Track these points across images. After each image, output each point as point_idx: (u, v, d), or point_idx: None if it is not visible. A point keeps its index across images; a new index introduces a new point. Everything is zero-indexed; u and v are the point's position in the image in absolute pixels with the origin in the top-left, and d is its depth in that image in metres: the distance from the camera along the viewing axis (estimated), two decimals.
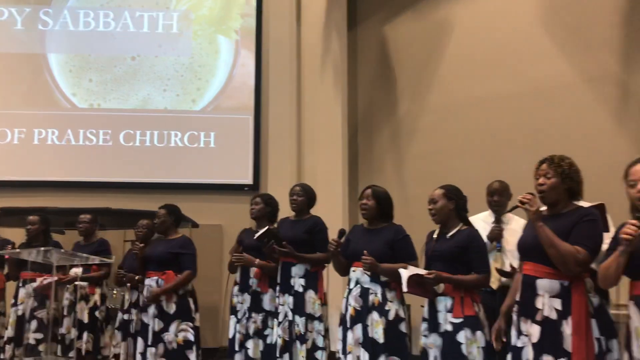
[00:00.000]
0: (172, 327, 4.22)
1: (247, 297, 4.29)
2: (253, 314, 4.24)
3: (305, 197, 4.31)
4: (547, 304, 2.64)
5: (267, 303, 4.26)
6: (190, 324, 4.29)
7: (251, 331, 4.23)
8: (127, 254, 4.90)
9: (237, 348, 4.24)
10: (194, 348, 4.27)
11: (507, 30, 6.35)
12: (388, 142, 7.30)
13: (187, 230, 6.08)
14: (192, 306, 4.36)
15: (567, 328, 2.58)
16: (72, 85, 7.50)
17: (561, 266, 2.60)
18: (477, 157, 6.20)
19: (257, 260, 4.25)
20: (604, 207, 3.05)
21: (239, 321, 4.27)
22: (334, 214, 6.26)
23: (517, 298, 2.80)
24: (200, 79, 7.60)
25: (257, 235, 4.11)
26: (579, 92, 5.91)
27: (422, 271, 3.20)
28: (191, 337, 4.26)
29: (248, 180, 7.37)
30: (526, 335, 2.69)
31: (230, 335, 4.31)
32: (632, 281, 2.40)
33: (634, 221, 2.32)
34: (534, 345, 2.64)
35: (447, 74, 6.82)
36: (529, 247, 2.76)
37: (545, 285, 2.67)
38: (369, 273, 3.52)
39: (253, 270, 4.29)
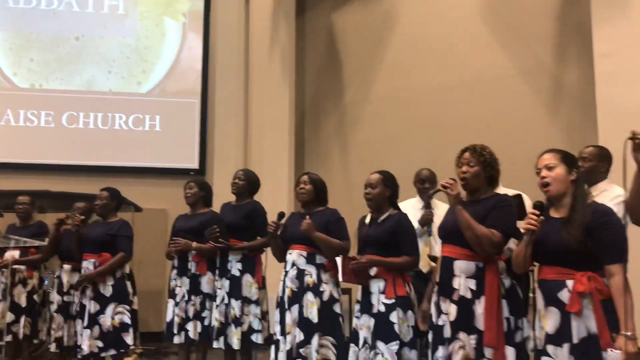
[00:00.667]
0: (109, 310, 4.21)
1: (185, 281, 4.30)
2: (192, 297, 4.27)
3: (246, 181, 4.34)
4: (463, 284, 2.78)
5: (205, 285, 4.29)
6: (127, 306, 4.29)
7: (190, 314, 4.26)
8: (58, 233, 4.74)
9: (175, 331, 4.27)
10: (131, 331, 4.26)
11: (449, 23, 6.53)
12: (334, 128, 7.40)
13: (130, 214, 6.04)
14: (130, 289, 4.35)
15: (480, 307, 2.72)
16: (12, 65, 7.31)
17: (477, 248, 2.73)
18: (419, 146, 6.35)
19: (194, 244, 4.28)
20: (521, 198, 3.21)
21: (177, 304, 4.30)
22: (280, 199, 6.33)
23: (437, 279, 2.94)
24: (146, 61, 7.51)
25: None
26: (515, 83, 6.14)
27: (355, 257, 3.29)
28: (127, 320, 4.26)
29: (194, 164, 7.36)
30: (445, 314, 2.82)
31: (168, 319, 4.32)
32: (539, 266, 2.54)
33: (534, 211, 2.46)
34: (452, 323, 2.78)
35: (392, 64, 6.95)
36: (448, 230, 2.89)
37: (461, 266, 2.81)
38: (305, 255, 3.62)
39: (192, 254, 4.32)
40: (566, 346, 2.30)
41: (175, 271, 4.38)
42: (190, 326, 4.25)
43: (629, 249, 2.35)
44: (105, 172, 7.00)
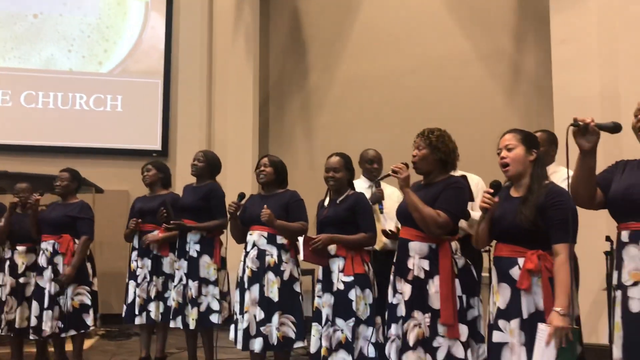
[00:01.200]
0: (69, 291, 4.20)
1: (147, 262, 4.32)
2: (154, 278, 4.29)
3: (205, 163, 4.32)
4: (417, 265, 2.87)
5: (167, 266, 4.32)
6: (87, 288, 4.28)
7: (152, 294, 4.28)
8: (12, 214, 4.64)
9: (137, 312, 4.28)
10: (91, 312, 4.26)
11: (412, 7, 6.61)
12: (298, 111, 7.41)
13: (91, 195, 5.98)
14: (90, 270, 4.34)
15: (433, 287, 2.82)
16: None
17: (424, 229, 2.82)
18: (382, 129, 6.42)
19: (160, 235, 4.29)
20: (466, 178, 3.31)
21: (138, 285, 4.31)
22: (244, 181, 6.33)
23: (394, 259, 3.02)
24: (107, 40, 7.38)
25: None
26: (475, 68, 6.25)
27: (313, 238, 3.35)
28: (87, 301, 4.25)
29: (156, 146, 7.28)
30: (400, 294, 2.91)
31: (129, 300, 4.34)
32: (496, 243, 2.64)
33: (488, 189, 2.56)
34: (406, 302, 2.87)
35: (356, 48, 6.99)
36: (403, 213, 2.97)
37: (415, 247, 2.89)
38: (265, 235, 3.66)
39: (154, 235, 4.33)
40: (516, 321, 2.40)
41: (135, 252, 4.38)
42: (152, 307, 4.28)
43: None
44: (65, 153, 6.89)
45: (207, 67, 7.26)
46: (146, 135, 7.30)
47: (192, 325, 4.04)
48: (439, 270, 2.82)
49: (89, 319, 4.26)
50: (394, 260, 3.03)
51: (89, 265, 4.36)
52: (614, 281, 2.17)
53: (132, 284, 4.35)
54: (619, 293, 2.14)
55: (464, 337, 2.78)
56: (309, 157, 6.98)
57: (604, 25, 4.98)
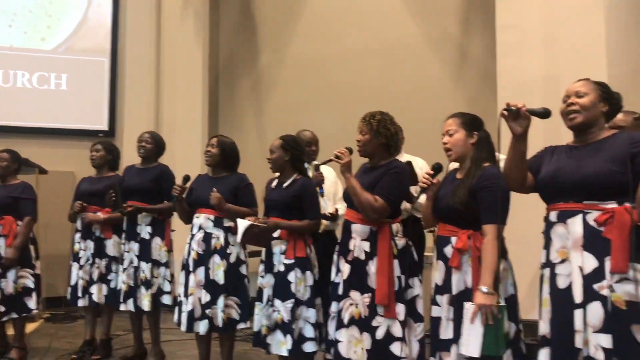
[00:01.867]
0: (11, 274, 4.10)
1: (90, 244, 4.26)
2: (97, 260, 4.23)
3: (154, 144, 4.29)
4: (358, 246, 2.93)
5: (110, 249, 4.27)
6: (30, 270, 4.19)
7: (95, 276, 4.23)
8: None
9: (80, 294, 4.23)
10: (34, 295, 4.18)
11: None
12: (249, 92, 7.37)
13: (34, 176, 5.83)
14: (33, 253, 4.24)
15: (373, 267, 2.88)
16: None
17: (363, 213, 2.89)
18: (333, 111, 6.45)
19: (101, 216, 4.23)
20: (411, 164, 3.39)
21: (81, 267, 4.25)
22: (193, 162, 6.26)
23: (340, 240, 3.07)
24: (51, 16, 7.12)
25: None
26: (423, 52, 6.34)
27: (258, 221, 3.34)
28: (30, 284, 4.17)
29: (103, 126, 7.11)
30: (341, 273, 2.98)
31: (73, 282, 4.27)
32: (439, 223, 2.72)
33: (429, 171, 2.63)
34: (344, 281, 2.94)
35: (307, 29, 6.98)
36: (347, 196, 3.02)
37: (357, 229, 2.95)
38: (212, 218, 3.66)
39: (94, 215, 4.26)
40: (446, 296, 2.50)
41: (79, 234, 4.32)
42: (94, 289, 4.23)
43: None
44: (7, 133, 6.64)
45: (155, 45, 7.10)
46: (92, 115, 7.11)
47: (146, 307, 4.03)
48: (377, 252, 2.88)
49: (32, 303, 4.18)
50: (339, 241, 3.09)
51: (32, 247, 4.26)
52: (542, 259, 2.27)
53: (75, 266, 4.29)
54: (547, 271, 2.24)
55: (401, 317, 2.85)
56: (260, 138, 6.96)
57: (546, 12, 5.11)
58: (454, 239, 2.51)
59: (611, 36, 4.86)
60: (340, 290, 2.95)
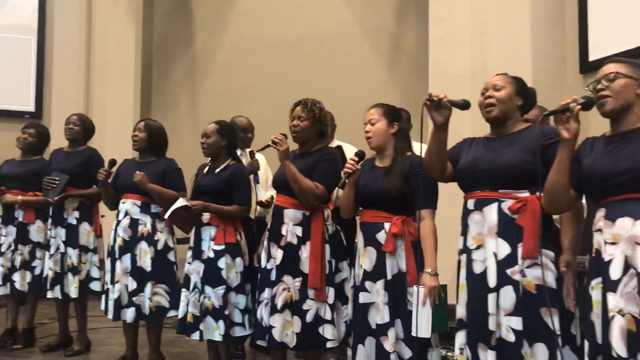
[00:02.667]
0: None
1: (11, 230, 4.11)
2: (19, 246, 4.09)
3: (82, 127, 4.17)
4: (290, 231, 2.96)
5: (34, 234, 4.12)
6: None
7: (17, 263, 4.08)
8: None
9: (0, 282, 4.08)
10: None
11: None
12: (183, 76, 7.25)
13: None
14: None
15: (305, 252, 2.93)
16: None
17: (303, 200, 2.91)
18: (268, 97, 6.44)
19: (20, 198, 4.09)
20: (341, 148, 3.44)
21: (2, 254, 4.09)
22: (124, 147, 6.05)
23: (269, 226, 3.09)
24: None
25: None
26: (359, 41, 6.41)
27: (189, 202, 3.32)
28: None
29: (29, 107, 6.85)
30: (273, 259, 3.00)
31: None
32: (362, 210, 2.78)
33: (353, 157, 2.68)
34: (277, 267, 2.96)
35: (244, 14, 6.92)
36: (279, 182, 3.04)
37: (290, 214, 2.98)
38: (139, 204, 3.60)
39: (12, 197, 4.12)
40: (381, 282, 2.56)
41: None
42: (17, 277, 4.09)
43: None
44: None
45: (86, 25, 6.86)
46: (18, 95, 6.82)
47: (74, 293, 3.94)
48: (310, 236, 2.93)
49: None
50: (268, 227, 3.10)
51: None
52: (460, 246, 2.37)
53: None
54: (464, 257, 2.33)
55: (331, 300, 2.92)
56: (193, 123, 6.86)
57: (477, 6, 5.25)
58: (387, 225, 2.57)
59: (536, 32, 5.06)
60: (272, 276, 2.98)
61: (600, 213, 1.95)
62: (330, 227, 3.01)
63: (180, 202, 3.25)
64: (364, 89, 6.20)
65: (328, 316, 2.90)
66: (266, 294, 3.00)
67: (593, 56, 4.84)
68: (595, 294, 1.94)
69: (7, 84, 6.78)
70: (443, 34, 5.42)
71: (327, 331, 2.89)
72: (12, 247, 4.09)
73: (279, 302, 2.93)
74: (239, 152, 4.01)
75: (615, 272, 1.86)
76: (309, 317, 2.90)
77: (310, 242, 2.92)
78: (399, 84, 6.25)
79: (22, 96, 6.84)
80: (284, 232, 2.98)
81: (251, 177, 3.69)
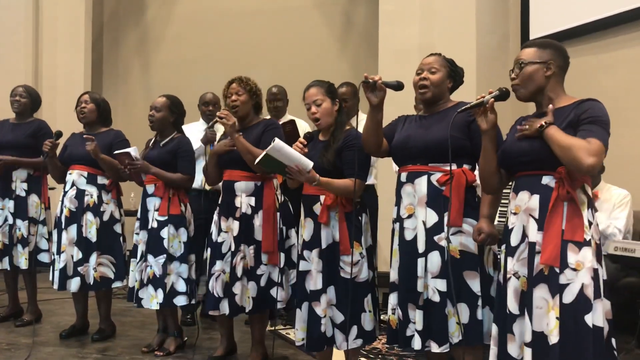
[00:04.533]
0: None
1: None
2: None
3: (29, 99, 4.14)
4: (245, 202, 3.08)
5: None
6: None
7: None
8: None
9: None
10: None
11: None
12: (135, 47, 7.19)
13: None
14: None
15: (258, 220, 3.07)
16: None
17: (258, 170, 3.00)
18: (220, 70, 6.44)
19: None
20: (294, 123, 3.54)
21: None
22: (75, 118, 6.06)
23: (219, 201, 3.19)
24: None
25: None
26: (312, 15, 6.48)
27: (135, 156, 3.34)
28: None
29: None
30: (226, 232, 3.12)
31: None
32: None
33: (302, 140, 2.75)
34: (235, 237, 3.08)
35: None
36: (227, 158, 3.13)
37: (241, 186, 3.10)
38: (85, 175, 3.64)
39: None
40: (316, 250, 2.70)
41: None
42: None
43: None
44: None
45: None
46: None
47: (23, 265, 3.97)
48: (262, 205, 3.06)
49: None
50: (219, 202, 3.20)
51: None
52: (394, 215, 2.51)
53: None
54: (397, 225, 2.48)
55: (281, 264, 3.08)
56: (146, 95, 6.83)
57: None
58: (322, 197, 2.69)
59: (481, 9, 5.24)
60: (226, 248, 3.11)
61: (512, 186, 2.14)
62: (280, 197, 3.14)
63: (132, 150, 3.31)
64: (315, 62, 6.30)
65: (277, 279, 3.07)
66: (218, 266, 3.12)
67: (534, 34, 5.04)
68: (503, 258, 2.14)
69: None
70: (392, 9, 5.55)
71: (276, 292, 3.05)
72: None
73: (239, 271, 3.06)
74: (204, 125, 4.07)
75: (514, 239, 2.08)
76: (263, 282, 3.07)
77: (262, 209, 3.06)
78: (350, 57, 6.37)
79: None
80: (237, 204, 3.09)
81: (208, 147, 3.77)
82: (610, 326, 2.00)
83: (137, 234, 3.46)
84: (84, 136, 3.56)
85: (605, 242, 3.10)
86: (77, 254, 3.59)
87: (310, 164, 2.56)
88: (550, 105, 2.03)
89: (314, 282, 2.68)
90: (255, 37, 6.56)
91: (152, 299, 3.33)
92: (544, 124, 1.97)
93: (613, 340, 2.00)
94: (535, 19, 5.06)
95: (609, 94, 4.50)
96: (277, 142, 2.54)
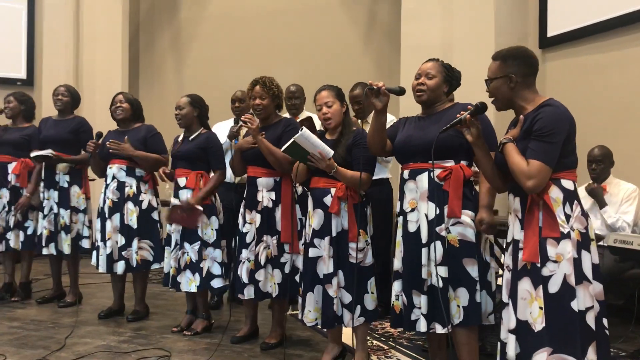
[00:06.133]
0: None
1: (5, 192, 4.44)
2: (12, 208, 4.43)
3: (69, 97, 4.46)
4: (265, 197, 3.35)
5: None
6: None
7: (11, 224, 4.44)
8: None
9: None
10: None
11: None
12: (169, 45, 7.48)
13: None
14: None
15: (279, 213, 3.33)
16: None
17: (277, 167, 3.28)
18: (250, 67, 6.68)
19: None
20: (312, 119, 3.77)
21: None
22: None
23: (245, 195, 3.45)
24: None
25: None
26: (336, 13, 6.68)
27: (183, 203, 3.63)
28: None
29: (21, 74, 7.11)
30: (250, 224, 3.39)
31: None
32: (312, 177, 3.09)
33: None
34: (257, 229, 3.36)
35: None
36: (251, 155, 3.38)
37: (263, 182, 3.37)
38: (124, 168, 3.95)
39: (12, 166, 4.44)
40: (327, 238, 2.95)
41: None
42: (11, 236, 4.44)
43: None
44: None
45: None
46: (10, 63, 7.09)
47: (67, 250, 4.31)
48: (281, 199, 3.31)
49: None
50: (245, 195, 3.47)
51: None
52: (397, 209, 2.74)
53: None
54: (400, 218, 2.70)
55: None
56: (179, 92, 7.06)
57: None
58: (333, 190, 2.94)
59: (499, 7, 5.36)
60: (250, 238, 3.38)
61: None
62: (299, 189, 3.39)
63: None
64: (340, 59, 6.51)
65: (301, 265, 3.25)
66: (244, 254, 3.40)
67: (551, 32, 5.15)
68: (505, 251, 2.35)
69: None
70: (414, 7, 5.71)
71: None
72: (7, 209, 4.44)
73: (262, 259, 3.34)
74: (232, 122, 4.33)
75: (508, 236, 2.30)
76: (287, 269, 3.33)
77: (281, 204, 3.32)
78: (374, 54, 6.55)
79: (14, 64, 7.09)
80: (259, 198, 3.36)
81: (230, 141, 4.03)
82: (602, 307, 2.17)
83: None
84: (109, 146, 3.85)
85: (609, 235, 3.26)
86: (121, 240, 3.93)
87: (331, 152, 2.84)
88: (521, 117, 2.20)
89: (327, 267, 2.93)
90: (282, 35, 6.79)
91: (191, 282, 3.63)
92: (502, 141, 2.18)
93: (604, 320, 2.18)
94: (552, 17, 5.16)
95: (622, 90, 4.62)
96: (305, 131, 2.80)
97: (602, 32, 4.73)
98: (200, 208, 3.57)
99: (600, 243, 3.53)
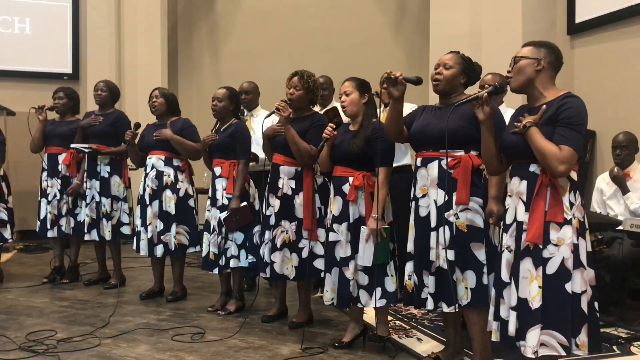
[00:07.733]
0: None
1: (56, 181, 4.76)
2: (64, 196, 4.75)
3: (108, 92, 4.72)
4: (286, 184, 3.53)
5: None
6: (4, 205, 4.70)
7: (63, 211, 4.76)
8: None
9: (49, 226, 4.77)
10: (8, 227, 4.72)
11: None
12: (206, 38, 7.73)
13: (2, 118, 6.23)
14: (5, 189, 4.74)
15: (298, 200, 3.50)
16: None
17: (298, 158, 3.46)
18: (284, 58, 6.91)
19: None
20: (336, 109, 3.92)
21: (49, 202, 4.77)
22: None
23: (268, 180, 3.65)
24: None
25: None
26: (368, 4, 6.77)
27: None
28: (4, 217, 4.68)
29: (67, 69, 7.48)
30: (272, 207, 3.58)
31: (42, 216, 4.80)
32: (333, 165, 3.28)
33: (331, 125, 3.17)
34: (276, 214, 3.55)
35: None
36: (278, 142, 3.57)
37: (285, 170, 3.55)
38: (163, 158, 4.22)
39: (61, 157, 4.76)
40: (345, 224, 3.13)
41: (45, 173, 4.80)
42: (63, 222, 4.76)
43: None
44: None
45: None
46: (57, 58, 7.45)
47: (108, 236, 4.61)
48: (303, 188, 3.49)
49: (7, 233, 4.72)
50: (268, 180, 3.67)
51: (3, 184, 4.75)
52: (411, 195, 2.88)
53: (43, 201, 4.80)
54: (413, 203, 2.85)
55: (322, 238, 3.49)
56: (216, 84, 7.16)
57: None
58: (351, 178, 3.11)
59: None
60: (272, 221, 3.58)
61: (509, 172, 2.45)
62: (319, 180, 3.57)
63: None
64: (371, 47, 6.63)
65: (320, 251, 3.49)
66: (267, 235, 3.61)
67: (580, 18, 5.15)
68: (500, 233, 2.46)
69: (46, 47, 7.40)
70: None
71: (320, 264, 3.47)
72: (58, 197, 4.76)
73: (278, 242, 3.53)
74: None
75: (508, 218, 2.39)
76: (304, 253, 3.51)
77: (302, 193, 3.49)
78: (404, 43, 6.64)
79: (60, 59, 7.47)
80: (280, 185, 3.55)
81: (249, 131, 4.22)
82: (594, 291, 2.29)
83: (209, 210, 3.98)
84: (154, 135, 4.15)
85: (625, 220, 3.33)
86: (160, 225, 4.20)
87: None
88: (544, 106, 2.28)
89: (344, 251, 3.12)
90: (314, 26, 6.95)
91: (234, 261, 3.87)
92: (526, 124, 2.25)
93: (596, 304, 2.30)
94: (581, 3, 5.15)
95: None
96: None
97: (631, 17, 4.71)
98: (243, 204, 3.80)
99: (619, 227, 3.61)
